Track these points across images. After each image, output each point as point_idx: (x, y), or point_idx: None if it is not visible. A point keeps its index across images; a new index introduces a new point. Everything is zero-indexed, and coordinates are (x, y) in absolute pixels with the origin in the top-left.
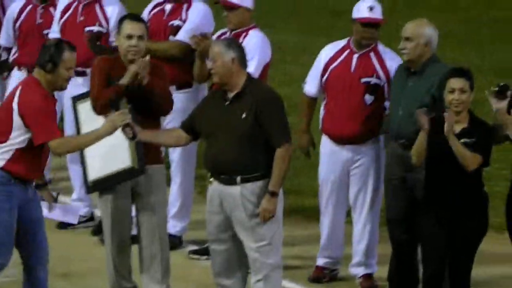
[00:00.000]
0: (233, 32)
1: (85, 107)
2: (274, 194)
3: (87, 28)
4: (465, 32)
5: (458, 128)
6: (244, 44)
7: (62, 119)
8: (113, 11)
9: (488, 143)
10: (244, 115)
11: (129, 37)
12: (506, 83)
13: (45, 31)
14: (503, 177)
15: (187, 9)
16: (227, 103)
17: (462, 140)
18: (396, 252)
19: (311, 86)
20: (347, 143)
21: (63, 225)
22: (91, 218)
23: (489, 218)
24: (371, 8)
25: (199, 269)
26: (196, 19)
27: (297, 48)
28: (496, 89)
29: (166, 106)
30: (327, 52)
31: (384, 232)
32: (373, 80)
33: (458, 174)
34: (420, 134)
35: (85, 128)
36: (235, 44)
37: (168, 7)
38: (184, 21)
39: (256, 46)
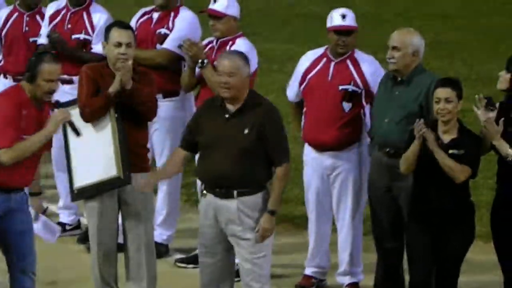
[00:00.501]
0: (219, 41)
1: (72, 115)
2: (274, 213)
3: (74, 36)
4: (453, 41)
5: (447, 139)
6: None
7: None
8: (99, 19)
9: (477, 155)
10: (246, 131)
11: (118, 44)
12: (491, 96)
13: (32, 39)
14: (488, 186)
15: (174, 18)
16: (227, 115)
17: (450, 151)
18: (382, 260)
19: (290, 91)
20: (327, 150)
21: None
22: (77, 226)
23: (476, 227)
24: (343, 16)
25: (186, 277)
26: (183, 27)
27: (284, 57)
28: (485, 101)
29: (150, 113)
30: (306, 60)
31: (369, 240)
32: (351, 87)
33: (445, 183)
34: (413, 143)
35: (71, 137)
36: (247, 58)
37: (155, 15)
38: (171, 30)
39: None
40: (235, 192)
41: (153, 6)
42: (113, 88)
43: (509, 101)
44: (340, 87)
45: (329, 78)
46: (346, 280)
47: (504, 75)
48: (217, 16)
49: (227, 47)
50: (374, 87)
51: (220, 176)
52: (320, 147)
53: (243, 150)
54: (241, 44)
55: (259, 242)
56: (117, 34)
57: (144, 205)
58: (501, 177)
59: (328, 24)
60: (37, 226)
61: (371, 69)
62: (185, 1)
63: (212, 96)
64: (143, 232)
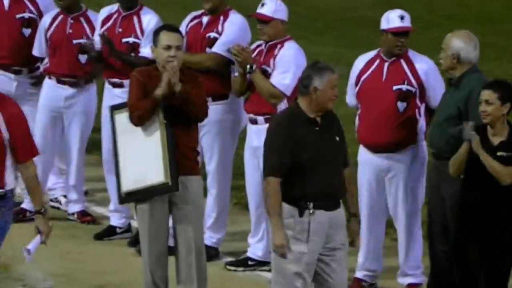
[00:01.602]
0: (268, 44)
1: (121, 118)
2: (357, 216)
3: (124, 40)
4: (502, 44)
5: (496, 141)
6: (279, 55)
7: (98, 129)
8: (149, 22)
9: None
10: (337, 139)
11: (168, 47)
12: None
13: (75, 41)
14: None
15: (224, 22)
16: (317, 128)
17: (499, 153)
18: (433, 263)
19: (350, 97)
20: (381, 151)
21: (99, 237)
22: (128, 229)
23: None
24: (402, 18)
25: (236, 280)
26: (232, 31)
27: (332, 60)
28: None
29: (201, 114)
30: (358, 63)
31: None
32: (405, 86)
33: (493, 187)
34: (463, 145)
35: (121, 139)
36: None
37: (205, 19)
38: (221, 33)
39: (291, 58)
40: (340, 201)
41: (202, 10)
42: (160, 90)
43: None
44: (394, 87)
45: (383, 79)
46: (406, 281)
47: None
48: (265, 20)
49: (276, 51)
50: (429, 86)
51: (333, 188)
52: (375, 149)
53: (340, 158)
54: (289, 47)
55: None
56: (166, 37)
57: (194, 208)
58: None
59: (385, 26)
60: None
61: (424, 67)
62: (233, 5)
63: (287, 111)
64: (193, 235)
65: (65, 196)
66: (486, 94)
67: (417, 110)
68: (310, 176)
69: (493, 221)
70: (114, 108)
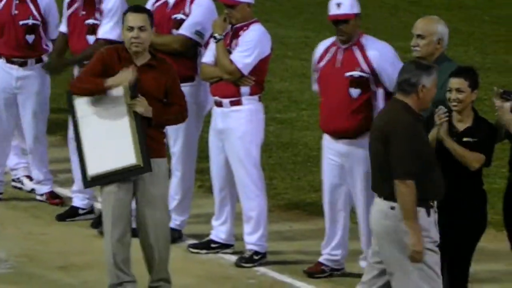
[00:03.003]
0: (234, 27)
1: (81, 102)
2: None
3: (86, 21)
4: (468, 31)
5: (462, 127)
6: (242, 37)
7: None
8: (107, 2)
9: (491, 142)
10: None
11: (130, 28)
12: (507, 89)
13: (21, 22)
14: (501, 175)
15: (191, 3)
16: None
17: (465, 139)
18: None
19: (313, 84)
20: (340, 137)
21: (61, 217)
22: (90, 210)
23: (487, 215)
24: (338, 5)
25: (198, 263)
26: (199, 13)
27: (299, 43)
28: (501, 91)
29: (182, 120)
30: (317, 50)
31: None
32: (357, 73)
33: (458, 172)
34: (433, 129)
35: (84, 123)
36: None
37: (171, 0)
38: (187, 15)
39: (254, 39)
40: None
41: None
42: (110, 82)
43: None
44: (347, 74)
45: (338, 66)
46: (365, 265)
47: None
48: (231, 4)
49: (241, 32)
50: (381, 70)
51: (445, 187)
52: (335, 135)
53: None
54: (253, 29)
55: None
56: (130, 18)
57: (160, 190)
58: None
59: (328, 14)
60: None
61: (376, 52)
62: None
63: (407, 111)
64: (160, 217)
65: (27, 177)
66: (457, 83)
67: (372, 96)
68: (431, 175)
69: (457, 205)
70: (72, 93)
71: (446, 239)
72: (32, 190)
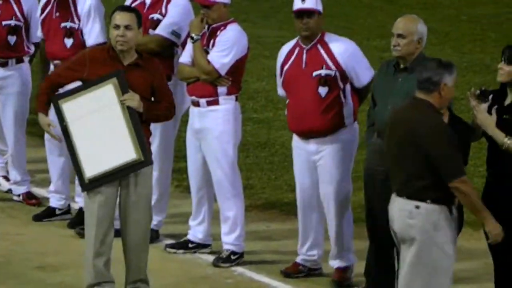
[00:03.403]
0: (211, 27)
1: (69, 106)
2: None
3: (62, 24)
4: (444, 30)
5: None
6: (219, 37)
7: None
8: (83, 5)
9: (467, 141)
10: None
11: (116, 27)
12: (486, 87)
13: (3, 23)
14: (479, 174)
15: (167, 3)
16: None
17: None
18: (374, 248)
19: (278, 87)
20: (310, 137)
21: (38, 218)
22: (67, 211)
23: (464, 214)
24: (303, 0)
25: (176, 263)
26: (175, 13)
27: (276, 43)
28: (478, 92)
29: (170, 117)
30: (281, 53)
31: (361, 227)
32: (323, 71)
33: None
34: None
35: (74, 127)
36: None
37: (148, 0)
38: (164, 15)
39: (231, 39)
40: None
41: None
42: (41, 117)
43: (502, 89)
44: (314, 73)
45: (303, 66)
46: (336, 264)
47: (504, 67)
48: (208, 5)
49: (218, 32)
50: (347, 67)
51: None
52: (305, 135)
53: None
54: (230, 29)
55: None
56: (118, 17)
57: (145, 190)
58: (490, 164)
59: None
60: None
61: (341, 49)
62: None
63: (434, 109)
64: (142, 217)
65: (4, 177)
66: None
67: (341, 93)
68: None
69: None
70: (58, 98)
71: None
72: (9, 191)
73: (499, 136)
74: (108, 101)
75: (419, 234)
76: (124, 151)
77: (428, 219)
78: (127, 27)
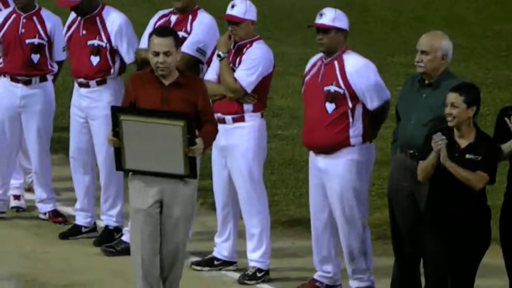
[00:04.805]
0: (237, 44)
1: (129, 124)
2: None
3: (89, 42)
4: (469, 46)
5: (464, 143)
6: (247, 54)
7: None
8: (113, 22)
9: (494, 160)
10: None
11: (156, 54)
12: None
13: (27, 41)
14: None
15: (192, 21)
16: None
17: (467, 156)
18: (399, 265)
19: None
20: (319, 152)
21: (64, 236)
22: (93, 228)
23: (492, 231)
24: (321, 15)
25: (202, 280)
26: (201, 31)
27: (300, 60)
28: None
29: (215, 137)
30: (307, 66)
31: (386, 244)
32: (333, 88)
33: (461, 189)
34: (431, 154)
35: (129, 142)
36: None
37: (173, 18)
38: (189, 33)
39: (258, 57)
40: None
41: (171, 9)
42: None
43: None
44: (325, 88)
45: (319, 80)
46: (355, 284)
47: None
48: (236, 22)
49: (244, 50)
50: (356, 87)
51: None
52: (313, 149)
53: None
54: (257, 47)
55: None
56: (156, 42)
57: (185, 210)
58: (510, 179)
59: None
60: None
61: (352, 69)
62: (203, 5)
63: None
64: (181, 237)
65: (16, 196)
66: (452, 97)
67: (348, 112)
68: None
69: (460, 222)
70: (119, 111)
71: (451, 255)
72: (14, 208)
73: None
74: (171, 137)
75: None
76: (175, 163)
77: None
78: (166, 54)
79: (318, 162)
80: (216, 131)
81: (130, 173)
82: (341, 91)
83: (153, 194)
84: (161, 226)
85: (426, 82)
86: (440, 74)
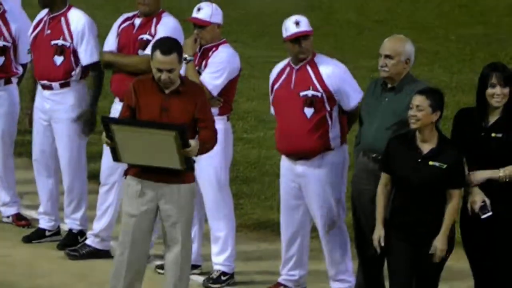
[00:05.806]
0: (203, 48)
1: (122, 133)
2: None
3: (53, 42)
4: (433, 50)
5: (426, 148)
6: (212, 58)
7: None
8: (77, 23)
9: (460, 166)
10: None
11: (159, 70)
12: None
13: None
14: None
15: (157, 24)
16: None
17: (431, 163)
18: (363, 268)
19: (271, 108)
20: (297, 158)
21: (27, 239)
22: (57, 232)
23: (455, 234)
24: (297, 23)
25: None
26: (165, 34)
27: (266, 64)
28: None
29: (215, 144)
30: (272, 73)
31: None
32: (310, 92)
33: (425, 197)
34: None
35: (122, 146)
36: None
37: (137, 21)
38: (153, 36)
39: (224, 60)
40: None
41: (135, 12)
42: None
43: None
44: (301, 94)
45: (292, 86)
46: (336, 286)
47: (499, 91)
48: (202, 25)
49: (210, 53)
50: (334, 89)
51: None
52: (293, 156)
53: None
54: (222, 50)
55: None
56: (160, 59)
57: (183, 215)
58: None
59: (284, 35)
60: None
61: (328, 71)
62: (166, 7)
63: None
64: (181, 244)
65: None
66: (418, 100)
67: (327, 115)
68: None
69: (424, 227)
70: (112, 122)
71: (414, 260)
72: None
73: (493, 174)
74: (165, 143)
75: None
76: (170, 159)
77: None
78: (169, 71)
79: (295, 168)
80: (215, 138)
81: (126, 177)
82: (318, 94)
83: (148, 200)
84: (163, 234)
85: (389, 86)
86: (403, 78)
